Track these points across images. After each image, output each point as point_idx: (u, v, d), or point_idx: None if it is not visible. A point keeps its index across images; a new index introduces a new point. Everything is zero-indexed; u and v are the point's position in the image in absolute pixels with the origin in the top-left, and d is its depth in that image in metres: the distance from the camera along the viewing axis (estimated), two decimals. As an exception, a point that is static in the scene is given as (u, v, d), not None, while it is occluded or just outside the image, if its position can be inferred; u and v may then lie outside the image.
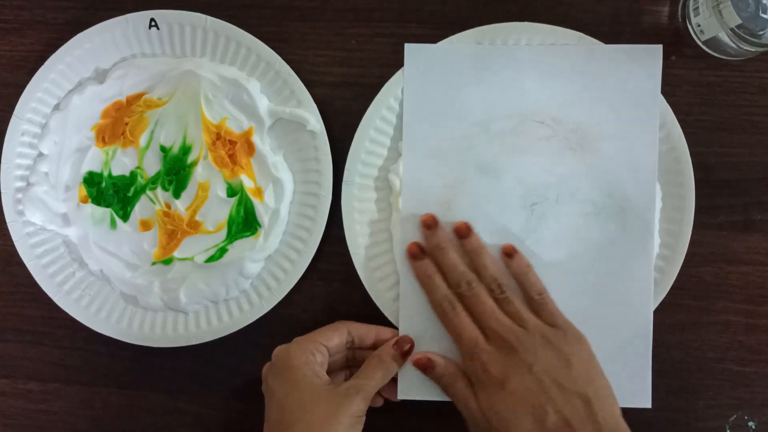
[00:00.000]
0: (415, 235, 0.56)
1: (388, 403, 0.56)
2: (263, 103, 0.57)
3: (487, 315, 0.52)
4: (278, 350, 0.53)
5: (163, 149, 0.58)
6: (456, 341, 0.53)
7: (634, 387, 0.55)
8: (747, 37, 0.51)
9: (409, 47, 0.56)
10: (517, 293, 0.53)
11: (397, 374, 0.55)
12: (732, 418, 0.57)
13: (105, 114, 0.58)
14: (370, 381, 0.51)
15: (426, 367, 0.53)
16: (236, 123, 0.57)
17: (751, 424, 0.57)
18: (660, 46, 0.55)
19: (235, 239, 0.58)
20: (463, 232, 0.54)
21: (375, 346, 0.54)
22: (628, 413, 0.55)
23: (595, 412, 0.48)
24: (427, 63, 0.56)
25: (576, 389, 0.49)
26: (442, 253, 0.54)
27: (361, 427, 0.50)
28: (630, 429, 0.48)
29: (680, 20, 0.56)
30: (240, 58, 0.58)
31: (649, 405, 0.55)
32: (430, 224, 0.55)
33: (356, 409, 0.49)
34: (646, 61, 0.55)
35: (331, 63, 0.58)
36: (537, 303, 0.53)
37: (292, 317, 0.58)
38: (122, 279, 0.58)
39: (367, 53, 0.58)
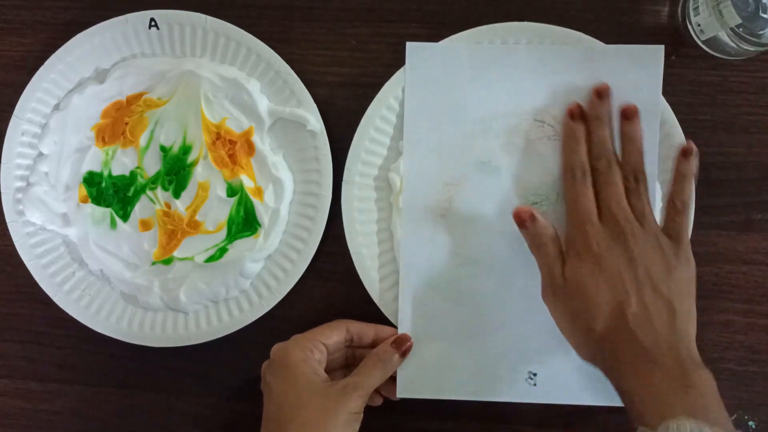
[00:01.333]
0: (416, 235, 0.56)
1: (387, 403, 0.56)
2: (263, 103, 0.57)
3: (612, 197, 0.51)
4: (277, 348, 0.53)
5: (163, 149, 0.58)
6: (570, 208, 0.52)
7: None
8: (747, 36, 0.51)
9: (410, 46, 0.56)
10: (648, 194, 0.52)
11: (396, 373, 0.55)
12: (732, 418, 0.57)
13: (105, 114, 0.58)
14: (368, 379, 0.51)
15: (525, 220, 0.52)
16: (236, 123, 0.57)
17: (751, 423, 0.57)
18: (662, 47, 0.55)
19: (235, 239, 0.58)
20: (630, 114, 0.53)
21: (374, 345, 0.54)
22: (625, 412, 0.55)
23: (676, 324, 0.47)
24: (428, 62, 0.56)
25: (668, 296, 0.48)
26: (600, 124, 0.53)
27: (358, 424, 0.50)
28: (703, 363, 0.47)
29: (680, 20, 0.56)
30: (240, 58, 0.58)
31: None
32: (602, 94, 0.53)
33: (353, 406, 0.49)
34: (647, 62, 0.55)
35: (331, 63, 0.58)
36: (675, 210, 0.52)
37: (292, 317, 0.58)
38: (122, 279, 0.58)
39: (367, 53, 0.58)
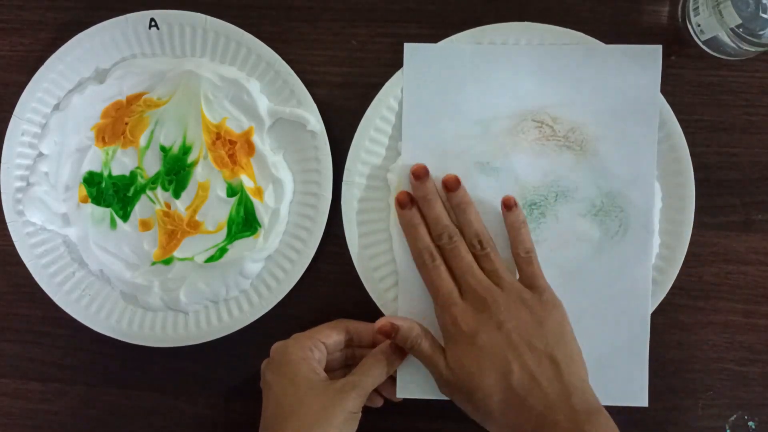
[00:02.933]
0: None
1: (387, 403, 0.56)
2: (263, 103, 0.57)
3: (465, 270, 0.52)
4: (276, 346, 0.53)
5: (163, 149, 0.58)
6: (432, 294, 0.53)
7: (631, 386, 0.55)
8: (747, 37, 0.51)
9: (408, 47, 0.56)
10: (497, 254, 0.53)
11: (396, 373, 0.55)
12: (732, 418, 0.57)
13: (105, 114, 0.58)
14: (367, 378, 0.51)
15: (389, 333, 0.52)
16: (236, 123, 0.57)
17: (751, 424, 0.57)
18: (659, 47, 0.55)
19: (235, 239, 0.58)
20: (451, 186, 0.54)
21: (374, 345, 0.55)
22: (626, 412, 0.55)
23: (562, 373, 0.49)
24: (426, 62, 0.56)
25: (545, 350, 0.49)
26: (429, 204, 0.54)
27: (356, 424, 0.50)
28: (600, 403, 0.49)
29: (680, 20, 0.56)
30: (240, 58, 0.58)
31: (645, 404, 0.55)
32: (419, 175, 0.54)
33: (351, 405, 0.49)
34: (645, 62, 0.55)
35: (331, 63, 0.58)
36: (522, 260, 0.53)
37: (292, 317, 0.58)
38: (122, 279, 0.58)
39: (367, 53, 0.58)
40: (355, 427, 0.50)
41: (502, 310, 0.50)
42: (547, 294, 0.52)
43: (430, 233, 0.54)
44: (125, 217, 0.58)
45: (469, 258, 0.53)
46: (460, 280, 0.52)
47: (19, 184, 0.59)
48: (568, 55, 0.55)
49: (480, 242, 0.53)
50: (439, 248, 0.53)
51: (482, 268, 0.53)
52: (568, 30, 0.55)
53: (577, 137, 0.55)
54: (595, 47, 0.55)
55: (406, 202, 0.54)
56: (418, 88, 0.56)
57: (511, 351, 0.49)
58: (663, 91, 0.55)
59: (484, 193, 0.55)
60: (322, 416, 0.48)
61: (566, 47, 0.55)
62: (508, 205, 0.54)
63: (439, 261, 0.53)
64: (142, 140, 0.58)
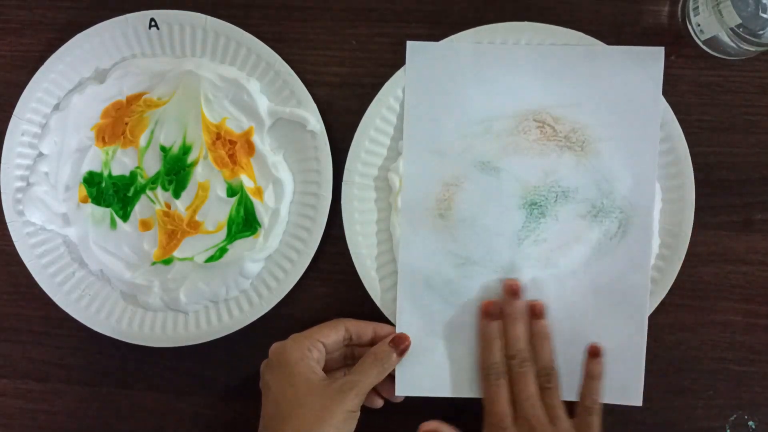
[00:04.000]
0: (415, 234, 0.56)
1: (387, 404, 0.56)
2: (263, 103, 0.57)
3: (526, 398, 0.52)
4: (275, 346, 0.53)
5: (163, 149, 0.58)
6: (486, 409, 0.53)
7: (627, 385, 0.55)
8: (747, 36, 0.51)
9: (411, 45, 0.56)
10: (559, 392, 0.53)
11: (395, 373, 0.55)
12: (732, 418, 0.57)
13: (105, 114, 0.58)
14: (365, 377, 0.52)
15: None
16: (236, 123, 0.57)
17: (751, 423, 0.57)
18: (662, 49, 0.55)
19: (235, 239, 0.58)
20: (538, 312, 0.54)
21: (373, 343, 0.55)
22: (626, 412, 0.55)
23: None
24: (429, 61, 0.56)
25: None
26: (514, 323, 0.54)
27: (354, 423, 0.50)
28: None
29: (680, 20, 0.56)
30: (240, 58, 0.58)
31: (639, 403, 0.55)
32: (514, 291, 0.54)
33: (350, 404, 0.50)
34: (647, 63, 0.55)
35: (331, 63, 0.58)
36: (585, 409, 0.53)
37: (292, 317, 0.58)
38: (122, 279, 0.58)
39: (367, 53, 0.58)
40: (354, 427, 0.50)
41: None
42: None
43: (504, 349, 0.54)
44: (125, 217, 0.58)
45: (535, 387, 0.53)
46: (520, 406, 0.52)
47: (19, 184, 0.59)
48: (571, 56, 0.55)
49: (548, 375, 0.53)
50: (508, 367, 0.53)
51: (543, 401, 0.52)
52: (568, 30, 0.55)
53: (579, 138, 0.55)
54: (597, 48, 0.55)
55: (495, 315, 0.54)
56: (419, 86, 0.56)
57: None
58: (663, 90, 0.55)
59: (484, 192, 0.55)
60: (321, 416, 0.49)
61: (568, 47, 0.55)
62: (595, 352, 0.54)
63: (504, 382, 0.53)
64: (142, 140, 0.58)
